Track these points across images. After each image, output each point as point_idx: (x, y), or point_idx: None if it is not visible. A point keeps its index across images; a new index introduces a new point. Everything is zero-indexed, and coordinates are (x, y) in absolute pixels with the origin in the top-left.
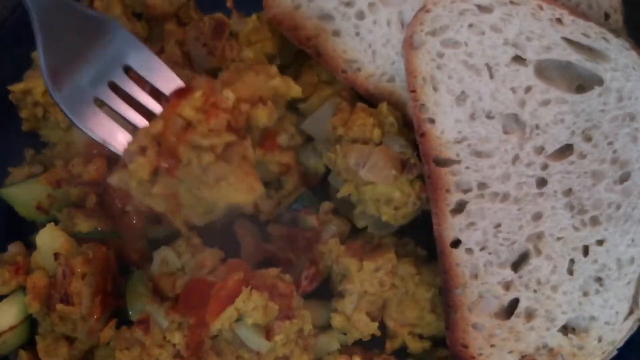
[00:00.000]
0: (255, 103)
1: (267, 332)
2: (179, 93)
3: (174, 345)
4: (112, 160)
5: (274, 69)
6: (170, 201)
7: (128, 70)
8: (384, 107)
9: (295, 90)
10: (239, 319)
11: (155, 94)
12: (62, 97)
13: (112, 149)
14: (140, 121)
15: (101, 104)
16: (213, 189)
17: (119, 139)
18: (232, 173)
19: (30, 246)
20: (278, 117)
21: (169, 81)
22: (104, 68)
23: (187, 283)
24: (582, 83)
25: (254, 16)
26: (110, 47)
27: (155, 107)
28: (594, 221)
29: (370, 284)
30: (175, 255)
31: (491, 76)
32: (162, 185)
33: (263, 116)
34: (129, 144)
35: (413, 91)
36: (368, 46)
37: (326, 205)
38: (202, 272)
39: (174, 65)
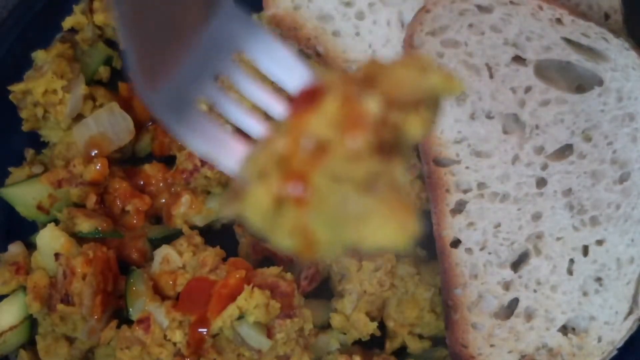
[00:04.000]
0: (406, 109)
1: (268, 331)
2: (306, 96)
3: (175, 344)
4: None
5: (428, 61)
6: (301, 238)
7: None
8: None
9: (457, 86)
10: (240, 317)
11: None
12: (157, 100)
13: (223, 169)
14: (257, 129)
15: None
16: (353, 227)
17: (230, 155)
18: (377, 208)
19: (31, 246)
20: None
21: (293, 73)
22: (209, 57)
23: (188, 281)
24: (582, 83)
25: (253, 16)
26: (216, 28)
27: (277, 108)
28: (594, 221)
29: (370, 283)
30: (176, 253)
31: (491, 76)
32: (291, 219)
33: (417, 127)
34: (244, 164)
35: None
36: (368, 46)
37: None
38: (203, 270)
39: None
